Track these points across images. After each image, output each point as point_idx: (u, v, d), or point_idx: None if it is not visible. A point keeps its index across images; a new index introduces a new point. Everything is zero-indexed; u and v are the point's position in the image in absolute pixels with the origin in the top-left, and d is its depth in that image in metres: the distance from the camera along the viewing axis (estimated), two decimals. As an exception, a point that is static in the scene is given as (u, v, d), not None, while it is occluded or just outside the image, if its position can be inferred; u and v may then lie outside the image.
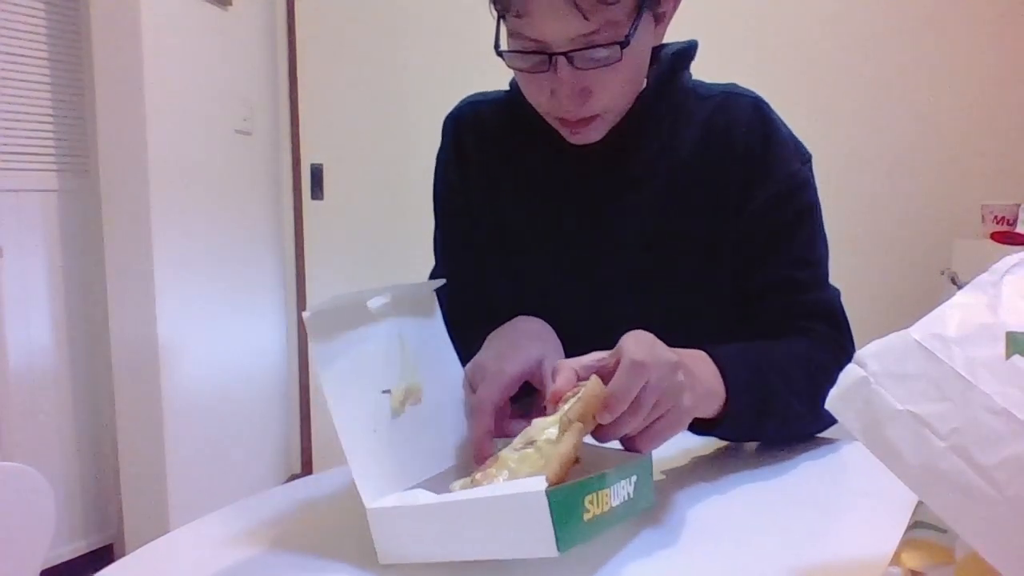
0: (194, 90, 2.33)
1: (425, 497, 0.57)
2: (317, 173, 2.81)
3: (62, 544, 2.17)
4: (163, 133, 2.16)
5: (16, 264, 2.07)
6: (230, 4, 2.45)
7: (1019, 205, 2.08)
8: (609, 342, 0.88)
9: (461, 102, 1.02)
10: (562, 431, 0.59)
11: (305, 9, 2.75)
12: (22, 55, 2.05)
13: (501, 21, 0.81)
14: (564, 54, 0.77)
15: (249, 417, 2.64)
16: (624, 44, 0.77)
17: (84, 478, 2.26)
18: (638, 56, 0.83)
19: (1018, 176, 2.34)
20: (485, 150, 0.98)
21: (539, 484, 0.51)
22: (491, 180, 0.97)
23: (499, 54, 0.81)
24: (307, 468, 2.89)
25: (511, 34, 0.80)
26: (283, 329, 2.87)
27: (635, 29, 0.77)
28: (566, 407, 0.60)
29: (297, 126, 2.80)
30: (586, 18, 0.74)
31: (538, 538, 0.51)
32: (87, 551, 2.25)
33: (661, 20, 0.84)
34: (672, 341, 0.90)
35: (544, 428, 0.59)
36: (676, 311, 0.88)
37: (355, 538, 0.64)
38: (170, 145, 2.19)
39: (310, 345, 0.60)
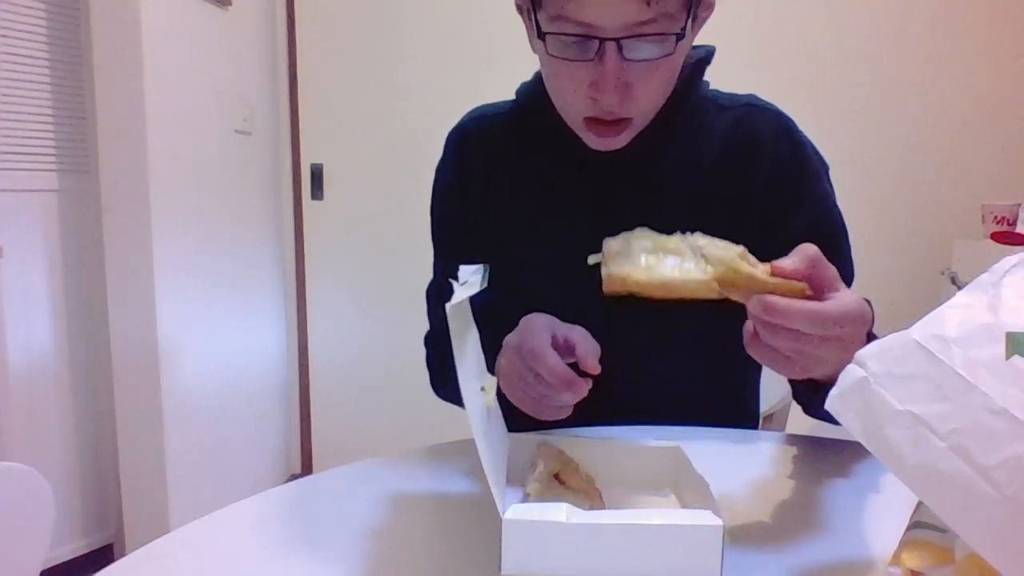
0: (194, 90, 2.32)
1: (573, 514, 0.56)
2: (317, 173, 2.81)
3: (62, 544, 2.17)
4: (163, 133, 2.16)
5: (16, 264, 2.06)
6: (230, 4, 2.45)
7: (1019, 205, 2.09)
8: (624, 362, 0.86)
9: (465, 117, 0.99)
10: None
11: (305, 9, 2.75)
12: (22, 55, 2.05)
13: (539, 6, 0.76)
14: (616, 40, 0.72)
15: (249, 417, 2.64)
16: (680, 36, 0.74)
17: (84, 478, 2.26)
18: (681, 56, 0.80)
19: (1018, 176, 2.34)
20: (492, 166, 0.95)
21: (713, 517, 0.53)
22: (498, 197, 0.94)
23: (540, 36, 0.76)
24: (307, 468, 2.89)
25: (554, 18, 0.74)
26: (283, 329, 2.87)
27: (690, 22, 0.74)
28: (754, 267, 0.63)
29: (297, 126, 2.80)
30: (648, 3, 0.70)
31: (703, 568, 0.53)
32: (87, 551, 2.25)
33: (697, 25, 0.82)
34: (691, 359, 0.89)
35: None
36: (695, 326, 0.87)
37: (355, 538, 0.64)
38: (170, 145, 2.19)
39: (452, 336, 0.58)
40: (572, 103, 0.81)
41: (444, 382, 0.99)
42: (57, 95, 2.14)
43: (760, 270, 0.62)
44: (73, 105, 2.18)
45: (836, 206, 0.92)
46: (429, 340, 1.03)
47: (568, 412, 0.76)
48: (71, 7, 2.15)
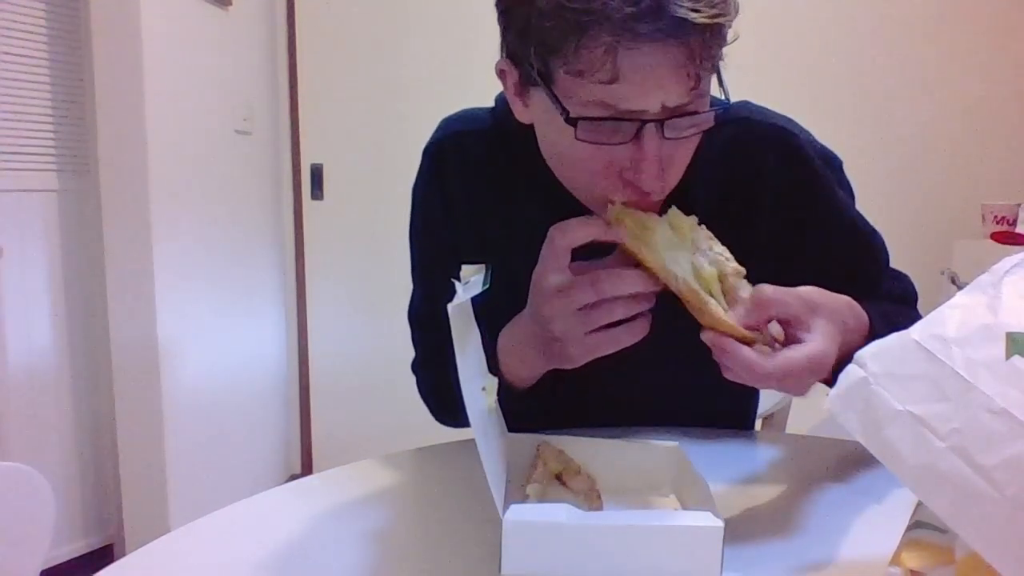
0: (194, 90, 2.33)
1: (574, 515, 0.56)
2: (317, 173, 2.81)
3: (62, 544, 2.17)
4: (163, 133, 2.16)
5: (16, 264, 2.06)
6: (230, 4, 2.45)
7: (1019, 205, 2.09)
8: (622, 367, 0.84)
9: (443, 131, 0.90)
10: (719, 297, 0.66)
11: (305, 9, 2.75)
12: (22, 55, 2.05)
13: (554, 83, 0.66)
14: (659, 122, 0.65)
15: (249, 417, 2.64)
16: (727, 107, 0.69)
17: (84, 478, 2.26)
18: None
19: (1018, 176, 2.34)
20: (472, 190, 0.88)
21: (713, 519, 0.54)
22: (479, 221, 0.88)
23: (569, 121, 0.66)
24: (307, 468, 2.89)
25: (586, 102, 0.65)
26: (283, 329, 2.87)
27: (724, 87, 0.69)
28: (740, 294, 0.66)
29: (297, 126, 2.80)
30: (696, 85, 0.64)
31: (703, 569, 0.54)
32: (87, 551, 2.25)
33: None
34: (689, 362, 0.87)
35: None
36: (694, 329, 0.85)
37: (354, 538, 0.64)
38: (170, 145, 2.19)
39: (453, 337, 0.57)
40: (600, 187, 0.71)
41: (445, 406, 0.93)
42: (57, 95, 2.14)
43: (716, 303, 0.65)
44: (73, 105, 2.18)
45: (856, 215, 0.88)
46: (419, 366, 0.97)
47: (648, 322, 0.70)
48: (71, 7, 2.15)
